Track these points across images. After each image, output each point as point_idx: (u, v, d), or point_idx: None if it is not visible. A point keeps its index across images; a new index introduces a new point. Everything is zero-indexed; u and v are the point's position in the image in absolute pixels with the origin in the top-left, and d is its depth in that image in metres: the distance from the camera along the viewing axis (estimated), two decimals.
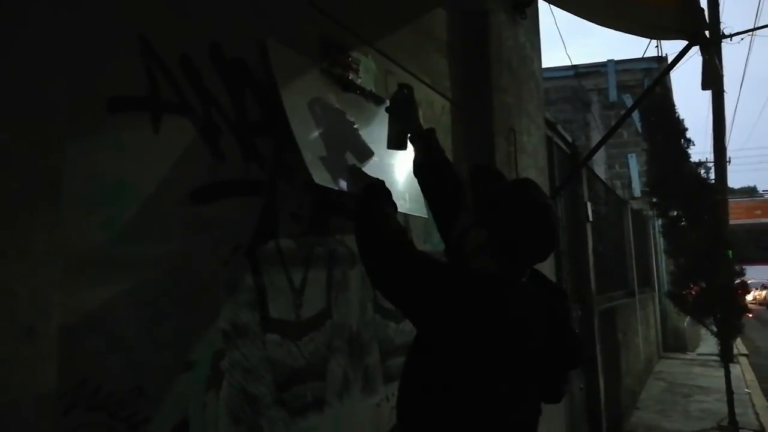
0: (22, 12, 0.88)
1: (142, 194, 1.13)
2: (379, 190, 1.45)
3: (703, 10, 3.02)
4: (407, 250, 1.27)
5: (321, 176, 1.46)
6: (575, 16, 3.32)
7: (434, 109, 2.41)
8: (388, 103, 1.78)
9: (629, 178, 11.35)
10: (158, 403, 1.12)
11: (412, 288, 1.22)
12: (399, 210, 1.56)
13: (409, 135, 1.69)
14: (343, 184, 1.54)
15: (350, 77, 1.82)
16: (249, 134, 1.42)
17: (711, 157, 9.31)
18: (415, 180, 1.73)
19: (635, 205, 9.32)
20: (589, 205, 5.16)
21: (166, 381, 1.15)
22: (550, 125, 4.39)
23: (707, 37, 3.09)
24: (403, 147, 1.72)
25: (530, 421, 1.22)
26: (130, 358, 1.08)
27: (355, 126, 1.72)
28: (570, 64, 8.63)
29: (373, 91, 1.93)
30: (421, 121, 1.74)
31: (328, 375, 1.63)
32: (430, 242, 2.19)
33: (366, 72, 1.93)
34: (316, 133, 1.54)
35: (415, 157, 1.66)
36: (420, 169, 1.65)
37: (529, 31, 3.44)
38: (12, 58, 0.86)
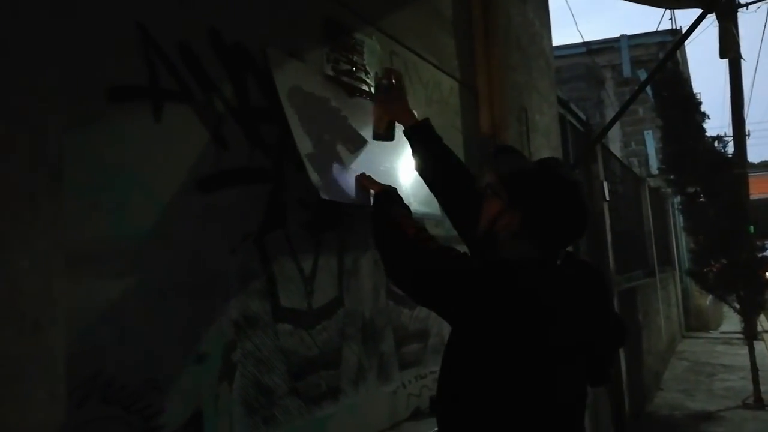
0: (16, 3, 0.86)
1: (147, 185, 1.12)
2: (393, 195, 1.43)
3: None
4: (430, 247, 1.22)
5: (328, 192, 1.45)
6: None
7: (442, 89, 2.36)
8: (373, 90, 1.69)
9: (646, 155, 11.15)
10: (171, 395, 1.12)
11: (442, 285, 1.17)
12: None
13: (403, 128, 1.58)
14: (351, 197, 1.52)
15: (355, 62, 1.79)
16: (252, 121, 1.40)
17: (729, 131, 9.10)
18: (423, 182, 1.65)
19: (653, 182, 9.16)
20: (605, 183, 5.07)
21: (179, 373, 1.15)
22: (563, 103, 4.31)
23: (723, 4, 2.99)
24: (391, 138, 1.63)
25: (576, 405, 1.19)
26: (142, 351, 1.08)
27: (361, 133, 1.67)
28: (582, 41, 8.48)
29: (378, 74, 1.89)
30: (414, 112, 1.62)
31: (342, 363, 1.62)
32: (442, 227, 2.16)
33: (371, 54, 1.89)
34: (322, 147, 1.51)
35: (413, 152, 1.57)
36: (421, 164, 1.56)
37: (538, 7, 3.36)
38: (9, 49, 0.84)
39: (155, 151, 1.15)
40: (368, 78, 1.85)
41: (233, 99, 1.35)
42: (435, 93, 2.30)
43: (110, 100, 1.07)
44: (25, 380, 0.81)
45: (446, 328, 1.30)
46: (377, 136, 1.63)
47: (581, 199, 1.20)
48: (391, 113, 1.58)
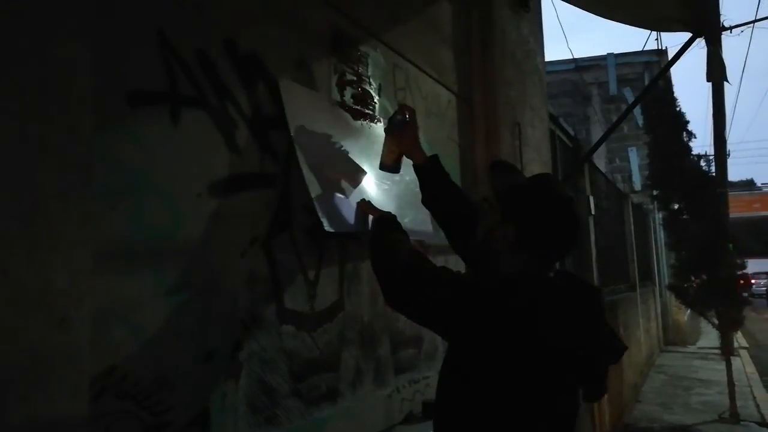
0: (55, 11, 0.90)
1: (163, 187, 1.15)
2: (391, 221, 1.47)
3: (706, 1, 3.03)
4: (426, 267, 1.25)
5: (332, 223, 1.48)
6: (578, 8, 3.33)
7: (440, 102, 2.43)
8: (385, 123, 1.73)
9: (629, 171, 11.36)
10: (181, 392, 1.15)
11: (437, 304, 1.20)
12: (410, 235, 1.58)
13: (412, 163, 1.62)
14: (353, 226, 1.56)
15: (360, 73, 1.84)
16: (263, 128, 1.44)
17: (711, 150, 9.31)
18: (415, 199, 1.67)
19: (636, 198, 9.34)
20: (591, 198, 5.18)
21: (188, 371, 1.18)
22: (553, 119, 4.41)
23: (712, 29, 3.11)
24: (397, 170, 1.68)
25: (569, 417, 1.21)
26: (154, 348, 1.10)
27: (364, 160, 1.71)
28: (570, 57, 8.64)
29: (382, 85, 1.95)
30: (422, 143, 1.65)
31: (341, 366, 1.66)
32: (439, 236, 2.21)
33: (375, 66, 1.95)
34: (327, 176, 1.55)
35: (421, 186, 1.62)
36: (429, 198, 1.61)
37: (533, 24, 3.46)
38: (45, 56, 0.88)
39: (172, 155, 1.18)
40: (371, 89, 1.91)
41: (246, 106, 1.39)
42: (434, 105, 2.36)
43: (130, 105, 1.10)
44: (53, 373, 0.84)
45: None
46: (384, 167, 1.66)
47: (573, 213, 1.25)
48: (403, 148, 1.62)
